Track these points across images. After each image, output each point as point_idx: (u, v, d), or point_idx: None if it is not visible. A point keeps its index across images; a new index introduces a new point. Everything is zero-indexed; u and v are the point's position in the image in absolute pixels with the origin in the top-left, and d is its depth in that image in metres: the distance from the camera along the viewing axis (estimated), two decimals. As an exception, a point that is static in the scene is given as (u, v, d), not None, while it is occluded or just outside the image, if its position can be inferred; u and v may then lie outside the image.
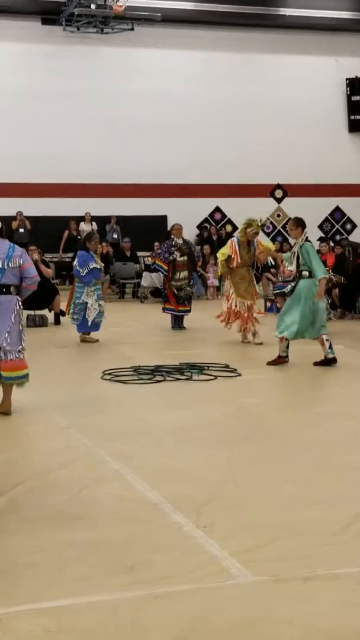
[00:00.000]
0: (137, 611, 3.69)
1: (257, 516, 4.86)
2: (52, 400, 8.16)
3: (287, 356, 10.01)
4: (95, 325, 12.17)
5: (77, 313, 12.10)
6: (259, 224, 12.13)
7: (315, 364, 9.94)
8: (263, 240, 13.43)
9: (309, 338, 9.99)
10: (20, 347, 7.50)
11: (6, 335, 7.38)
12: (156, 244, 17.66)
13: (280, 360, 9.99)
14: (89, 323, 12.06)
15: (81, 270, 12.07)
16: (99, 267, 12.37)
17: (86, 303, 12.03)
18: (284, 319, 9.92)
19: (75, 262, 12.34)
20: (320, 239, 18.62)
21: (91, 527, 4.70)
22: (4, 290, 7.44)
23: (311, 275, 9.79)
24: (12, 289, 7.48)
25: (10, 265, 7.45)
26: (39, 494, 5.31)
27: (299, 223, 9.97)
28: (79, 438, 6.71)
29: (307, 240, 9.97)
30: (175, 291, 13.44)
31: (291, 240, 11.49)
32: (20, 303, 7.55)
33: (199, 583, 3.95)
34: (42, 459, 6.06)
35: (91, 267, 12.10)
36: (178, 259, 13.51)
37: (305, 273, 9.80)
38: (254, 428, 7.16)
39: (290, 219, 13.11)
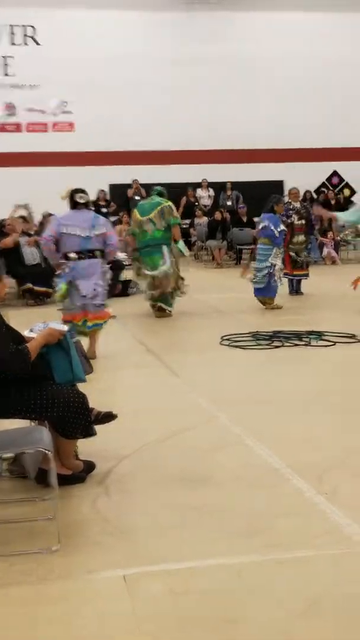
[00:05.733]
0: (262, 575, 3.71)
1: (381, 484, 4.80)
2: (172, 365, 8.24)
3: None
4: (273, 290, 12.03)
5: (259, 277, 11.90)
6: None
7: None
8: None
9: None
10: (104, 302, 8.71)
11: (94, 292, 8.54)
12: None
13: None
14: (277, 284, 11.98)
15: (275, 230, 11.97)
16: (285, 229, 12.36)
17: (274, 265, 11.91)
18: None
19: (265, 224, 12.06)
20: None
21: (214, 491, 4.74)
22: (91, 254, 8.56)
23: None
24: (97, 253, 8.60)
25: (95, 233, 8.55)
26: (163, 456, 5.39)
27: None
28: (201, 402, 6.76)
29: None
30: (293, 254, 13.27)
31: None
32: (105, 265, 8.74)
33: (322, 549, 3.94)
34: (165, 423, 6.13)
35: (280, 229, 12.07)
36: (296, 222, 13.34)
37: None
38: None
39: None
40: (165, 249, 11.56)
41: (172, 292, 11.76)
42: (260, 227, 12.34)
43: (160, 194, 12.04)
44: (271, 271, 11.84)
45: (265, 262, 11.88)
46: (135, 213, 11.95)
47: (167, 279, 11.55)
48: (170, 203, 11.84)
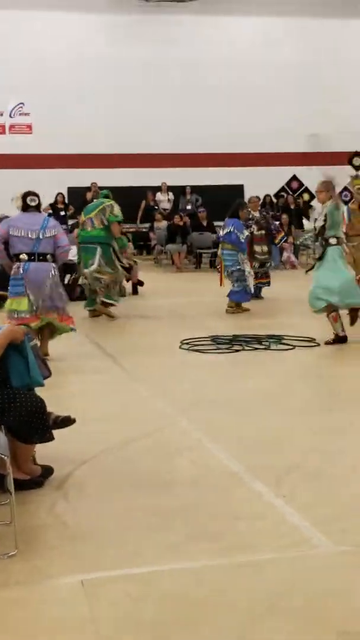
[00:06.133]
0: (221, 579, 3.71)
1: (339, 486, 4.82)
2: (131, 370, 8.22)
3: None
4: (247, 294, 12.16)
5: (233, 279, 12.00)
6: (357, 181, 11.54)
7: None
8: None
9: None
10: (62, 305, 8.67)
11: (46, 296, 8.50)
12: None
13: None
14: (250, 291, 12.07)
15: (241, 235, 12.03)
16: (248, 234, 12.41)
17: (244, 271, 11.96)
18: None
19: (230, 229, 12.11)
20: None
21: (174, 495, 4.73)
22: (41, 258, 8.48)
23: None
24: (48, 257, 8.51)
25: (45, 235, 8.47)
26: (123, 461, 5.36)
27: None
28: (160, 407, 6.76)
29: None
30: (256, 265, 13.21)
31: None
32: (56, 269, 8.61)
33: (281, 552, 3.96)
34: (124, 427, 6.11)
35: (246, 234, 12.12)
36: (255, 232, 13.31)
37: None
38: (335, 397, 7.11)
39: None
40: (98, 250, 11.71)
41: (112, 288, 11.94)
42: (224, 232, 12.33)
43: (106, 196, 12.28)
44: (242, 277, 11.90)
45: (234, 266, 11.93)
46: (82, 214, 12.27)
47: (94, 280, 11.73)
48: (112, 202, 12.01)
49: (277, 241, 14.12)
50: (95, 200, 12.66)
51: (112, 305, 11.90)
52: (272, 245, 14.09)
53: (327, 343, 9.29)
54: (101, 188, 21.58)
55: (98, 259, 11.68)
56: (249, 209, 13.42)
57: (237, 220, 12.16)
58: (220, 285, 12.31)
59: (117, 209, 11.93)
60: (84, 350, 9.43)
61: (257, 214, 13.61)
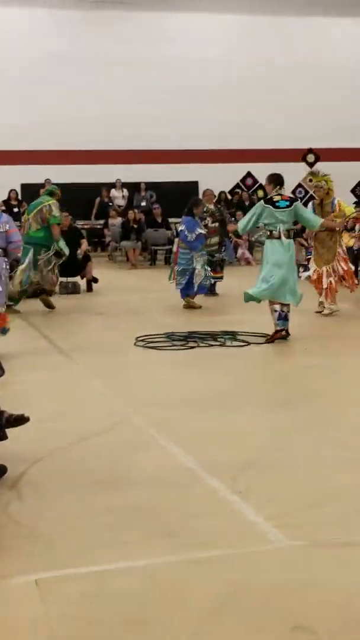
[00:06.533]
0: (175, 576, 3.70)
1: (294, 482, 4.84)
2: (86, 367, 8.18)
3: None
4: (202, 288, 12.20)
5: (181, 277, 12.02)
6: (316, 177, 11.56)
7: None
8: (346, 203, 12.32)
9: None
10: (3, 301, 8.61)
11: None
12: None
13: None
14: (195, 287, 12.06)
15: (189, 235, 12.03)
16: (204, 232, 12.38)
17: (193, 269, 11.99)
18: None
19: (181, 227, 12.25)
20: (355, 203, 18.39)
21: (129, 493, 4.71)
22: None
23: None
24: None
25: None
26: (77, 459, 5.33)
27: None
28: (115, 404, 6.73)
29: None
30: (207, 256, 13.30)
31: None
32: (7, 264, 8.58)
33: (236, 548, 3.96)
34: (79, 425, 6.07)
35: (198, 232, 12.10)
36: (210, 225, 13.39)
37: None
38: (291, 393, 7.14)
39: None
40: (31, 251, 11.68)
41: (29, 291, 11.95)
42: (179, 229, 12.46)
43: (50, 194, 12.25)
44: (191, 275, 11.92)
45: (185, 265, 11.96)
46: (26, 214, 12.28)
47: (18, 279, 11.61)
48: (52, 202, 11.98)
49: (230, 235, 14.22)
50: (39, 198, 12.52)
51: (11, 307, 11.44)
52: (226, 238, 14.17)
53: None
54: (55, 185, 21.61)
55: (28, 261, 11.67)
56: (204, 202, 13.50)
57: (190, 219, 12.18)
58: (169, 280, 12.38)
59: (55, 210, 11.90)
60: (38, 347, 9.36)
61: (211, 207, 13.69)
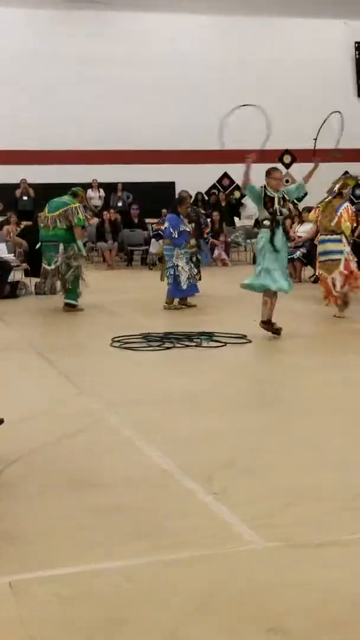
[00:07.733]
0: (152, 577, 3.69)
1: (269, 482, 4.84)
2: (62, 367, 8.15)
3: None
4: (193, 287, 12.33)
5: (171, 277, 12.16)
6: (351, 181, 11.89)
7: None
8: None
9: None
10: None
11: None
12: (164, 210, 17.54)
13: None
14: (184, 287, 12.13)
15: (173, 232, 12.15)
16: (188, 229, 12.48)
17: (177, 266, 12.08)
18: None
19: (166, 225, 12.48)
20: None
21: (105, 494, 4.69)
22: None
23: None
24: None
25: None
26: (53, 460, 5.30)
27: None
28: (90, 405, 6.70)
29: None
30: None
31: None
32: None
33: (212, 549, 3.95)
34: (55, 426, 6.05)
35: (182, 229, 12.20)
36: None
37: None
38: (267, 394, 7.15)
39: None
40: (61, 247, 12.03)
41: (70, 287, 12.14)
42: (164, 227, 12.67)
43: (73, 194, 12.40)
44: (176, 272, 11.97)
45: (169, 262, 12.02)
46: (45, 209, 12.37)
47: (56, 276, 12.14)
48: (77, 205, 12.20)
49: (205, 235, 14.35)
50: (61, 197, 12.55)
51: (74, 306, 12.10)
52: (201, 239, 14.24)
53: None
54: (30, 185, 21.54)
55: (62, 255, 12.01)
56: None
57: (175, 216, 12.34)
58: (161, 280, 12.54)
59: (81, 213, 12.17)
60: (14, 348, 9.31)
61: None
